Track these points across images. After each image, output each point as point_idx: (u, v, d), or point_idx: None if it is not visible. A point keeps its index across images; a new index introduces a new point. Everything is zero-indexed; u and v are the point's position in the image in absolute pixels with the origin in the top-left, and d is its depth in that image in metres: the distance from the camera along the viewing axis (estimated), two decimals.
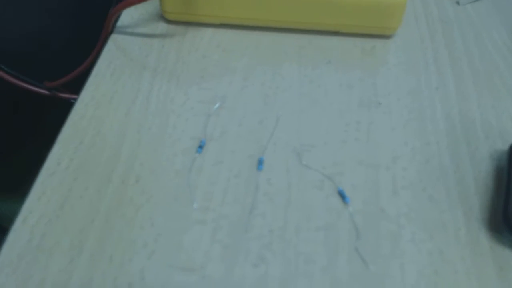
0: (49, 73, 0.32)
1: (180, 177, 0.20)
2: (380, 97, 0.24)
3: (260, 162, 0.20)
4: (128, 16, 0.27)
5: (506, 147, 0.22)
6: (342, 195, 0.19)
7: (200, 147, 0.20)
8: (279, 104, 0.23)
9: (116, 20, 0.27)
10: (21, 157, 0.41)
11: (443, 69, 0.26)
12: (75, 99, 0.24)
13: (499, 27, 0.29)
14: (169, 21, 0.27)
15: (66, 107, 0.25)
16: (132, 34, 0.26)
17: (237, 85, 0.24)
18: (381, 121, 0.23)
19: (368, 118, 0.23)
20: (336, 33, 0.27)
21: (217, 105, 0.22)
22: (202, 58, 0.25)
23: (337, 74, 0.25)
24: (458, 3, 0.30)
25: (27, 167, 0.27)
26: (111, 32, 0.26)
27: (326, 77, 0.25)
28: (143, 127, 0.22)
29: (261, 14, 0.26)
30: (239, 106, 0.23)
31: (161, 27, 0.27)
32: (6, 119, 0.39)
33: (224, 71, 0.25)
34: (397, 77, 0.25)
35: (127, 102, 0.23)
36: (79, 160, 0.20)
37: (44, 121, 0.42)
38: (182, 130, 0.22)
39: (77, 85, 0.28)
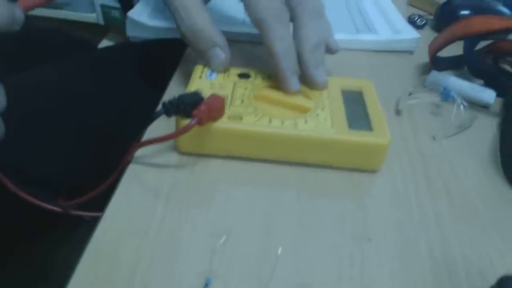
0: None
1: None
2: (370, 231, 0.26)
3: None
4: (145, 148, 0.31)
5: (486, 286, 0.24)
6: None
7: (206, 285, 0.21)
8: (279, 236, 0.25)
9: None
10: None
11: (424, 203, 0.29)
12: (88, 217, 0.26)
13: (472, 159, 0.33)
14: (181, 152, 0.31)
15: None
16: (148, 164, 0.30)
17: (241, 215, 0.26)
18: (372, 257, 0.25)
19: (360, 253, 0.25)
20: (329, 167, 0.30)
21: (223, 239, 0.24)
22: (210, 189, 0.28)
23: (331, 207, 0.28)
24: (434, 138, 0.35)
25: None
26: (129, 162, 0.29)
27: (321, 210, 0.27)
28: (153, 259, 0.23)
29: (262, 154, 0.30)
30: (242, 238, 0.25)
31: (174, 158, 0.30)
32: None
33: (229, 201, 0.27)
34: (384, 211, 0.28)
35: (140, 234, 0.25)
36: None
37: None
38: (188, 265, 0.23)
39: (90, 205, 0.31)
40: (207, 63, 0.34)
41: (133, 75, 0.50)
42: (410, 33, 0.50)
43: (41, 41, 0.57)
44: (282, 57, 0.32)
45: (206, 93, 0.31)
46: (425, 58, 0.47)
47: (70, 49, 0.60)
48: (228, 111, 0.30)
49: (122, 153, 0.29)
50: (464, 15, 0.53)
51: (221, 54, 0.33)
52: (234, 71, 0.35)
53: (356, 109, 0.32)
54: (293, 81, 0.32)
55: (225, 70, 0.35)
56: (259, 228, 0.26)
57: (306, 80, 0.34)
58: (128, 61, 0.51)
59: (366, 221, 0.27)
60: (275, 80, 0.34)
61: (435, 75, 0.42)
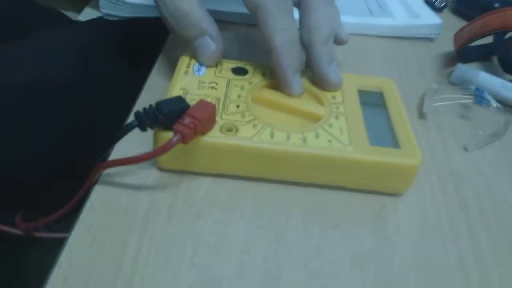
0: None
1: None
2: (397, 279, 0.21)
3: None
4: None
5: None
6: None
7: None
8: None
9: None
10: None
11: (461, 237, 0.23)
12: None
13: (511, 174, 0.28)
14: (162, 169, 0.25)
15: None
16: (120, 185, 0.24)
17: (235, 261, 0.21)
18: None
19: None
20: (342, 188, 0.25)
21: None
22: (197, 219, 0.22)
23: (347, 245, 0.22)
24: (466, 149, 0.30)
25: None
26: (95, 182, 0.24)
27: (334, 249, 0.22)
28: None
29: (262, 173, 0.24)
30: None
31: (153, 176, 0.24)
32: None
33: (220, 240, 0.22)
34: (412, 249, 0.22)
35: (108, 278, 0.19)
36: None
37: None
38: None
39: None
40: (194, 55, 0.28)
41: (106, 61, 0.43)
42: (430, 18, 0.43)
43: (6, 12, 0.50)
44: (283, 51, 0.25)
45: (192, 94, 0.25)
46: (447, 46, 0.41)
47: (42, 22, 0.52)
48: (220, 120, 0.24)
49: (92, 155, 0.24)
50: (493, 4, 0.46)
51: (211, 44, 0.27)
52: (228, 65, 0.28)
53: (377, 117, 0.26)
54: (295, 83, 0.26)
55: (217, 64, 0.28)
56: (257, 277, 0.20)
57: (317, 80, 0.28)
58: (100, 44, 0.44)
59: (392, 263, 0.22)
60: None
61: (462, 70, 0.36)
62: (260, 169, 0.24)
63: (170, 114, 0.21)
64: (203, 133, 0.22)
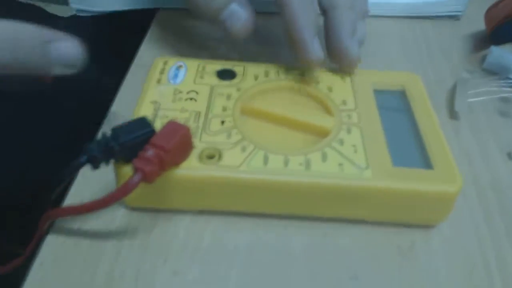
0: None
1: None
2: None
3: None
4: (76, 196, 0.20)
5: None
6: None
7: None
8: None
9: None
10: None
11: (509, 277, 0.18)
12: None
13: None
14: (131, 207, 0.20)
15: None
16: (78, 233, 0.19)
17: None
18: None
19: None
20: (360, 222, 0.19)
21: None
22: (173, 276, 0.18)
23: None
24: (510, 156, 0.24)
25: None
26: (46, 232, 0.19)
27: None
28: None
29: (255, 208, 0.19)
30: None
31: (120, 218, 0.19)
32: None
33: None
34: None
35: None
36: None
37: None
38: None
39: None
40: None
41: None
42: None
43: None
44: (299, 8, 0.21)
45: (165, 109, 0.20)
46: (475, 25, 0.34)
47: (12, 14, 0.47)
48: (199, 143, 0.18)
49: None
50: None
51: (241, 12, 0.22)
52: (212, 67, 0.23)
53: (401, 126, 0.21)
54: (315, 47, 0.22)
55: (198, 66, 0.23)
56: None
57: (332, 54, 0.23)
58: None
59: None
60: (276, 77, 0.22)
61: (497, 54, 0.30)
62: (253, 203, 0.19)
63: (130, 144, 0.16)
64: (176, 163, 0.18)
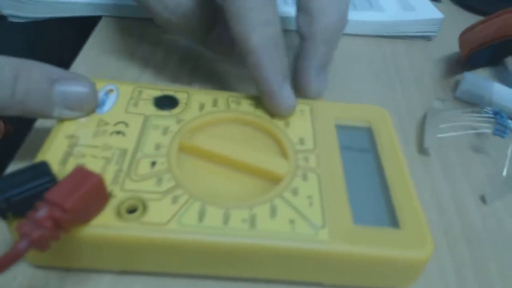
0: None
1: None
2: None
3: None
4: None
5: None
6: None
7: None
8: None
9: None
10: None
11: None
12: None
13: None
14: (36, 266, 0.16)
15: None
16: None
17: None
18: None
19: None
20: (316, 284, 0.16)
21: None
22: None
23: None
24: (483, 200, 0.22)
25: None
26: None
27: None
28: None
29: (190, 269, 0.15)
30: None
31: (22, 278, 0.15)
32: None
33: None
34: None
35: None
36: None
37: None
38: None
39: None
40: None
41: None
42: (428, 11, 0.34)
43: None
44: (265, 53, 0.18)
45: (84, 145, 0.16)
46: (448, 47, 0.33)
47: None
48: (120, 193, 0.15)
49: None
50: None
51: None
52: (149, 93, 0.19)
53: (364, 172, 0.18)
54: (285, 95, 0.19)
55: (133, 91, 0.19)
56: None
57: (296, 85, 0.21)
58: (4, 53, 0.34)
59: None
60: (226, 107, 0.19)
61: (471, 81, 0.28)
62: (185, 266, 0.15)
63: (19, 199, 0.13)
64: (85, 220, 0.14)
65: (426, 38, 0.34)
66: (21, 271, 0.16)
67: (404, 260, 0.15)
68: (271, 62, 0.19)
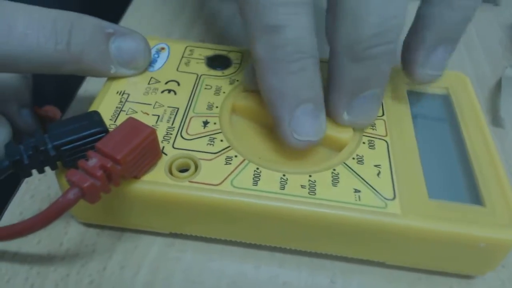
0: None
1: None
2: None
3: None
4: (16, 211, 0.16)
5: None
6: None
7: None
8: None
9: None
10: None
11: None
12: None
13: None
14: (87, 224, 0.16)
15: None
16: (8, 257, 0.15)
17: None
18: None
19: None
20: (378, 264, 0.15)
21: None
22: None
23: None
24: None
25: None
26: None
27: None
28: None
29: (244, 237, 0.14)
30: None
31: (74, 233, 0.15)
32: None
33: None
34: None
35: None
36: None
37: None
38: None
39: None
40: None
41: None
42: None
43: None
44: (274, 67, 0.13)
45: (134, 101, 0.15)
46: None
47: None
48: (171, 150, 0.14)
49: None
50: None
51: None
52: (202, 52, 0.18)
53: (441, 143, 0.15)
54: (298, 122, 0.14)
55: (185, 50, 0.18)
56: None
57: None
58: None
59: None
60: None
61: None
62: (237, 232, 0.14)
63: (70, 148, 0.12)
64: (137, 175, 0.13)
65: (494, 2, 0.31)
66: (72, 228, 0.15)
67: (489, 240, 0.13)
68: (280, 81, 0.13)
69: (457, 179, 0.14)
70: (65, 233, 0.15)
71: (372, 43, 0.13)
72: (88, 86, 0.21)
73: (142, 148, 0.12)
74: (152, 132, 0.13)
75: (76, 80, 0.22)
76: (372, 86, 0.14)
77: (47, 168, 0.13)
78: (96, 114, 0.13)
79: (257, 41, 0.13)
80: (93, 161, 0.11)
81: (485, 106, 0.22)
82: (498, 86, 0.23)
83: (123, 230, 0.15)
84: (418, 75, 0.15)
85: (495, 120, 0.21)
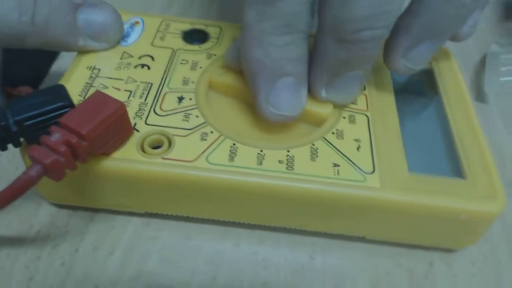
0: None
1: None
2: None
3: None
4: None
5: None
6: None
7: None
8: None
9: None
10: None
11: None
12: None
13: None
14: (58, 205, 0.15)
15: None
16: None
17: None
18: None
19: None
20: (358, 239, 0.15)
21: None
22: None
23: None
24: None
25: None
26: None
27: None
28: None
29: (220, 215, 0.14)
30: None
31: (45, 214, 0.15)
32: None
33: None
34: None
35: None
36: None
37: None
38: None
39: None
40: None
41: None
42: None
43: None
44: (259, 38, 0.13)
45: (105, 77, 0.15)
46: None
47: None
48: (144, 126, 0.13)
49: None
50: None
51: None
52: (178, 26, 0.17)
53: (422, 117, 0.15)
54: (276, 96, 0.14)
55: (161, 24, 0.17)
56: None
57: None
58: None
59: None
60: None
61: None
62: (213, 210, 0.14)
63: (32, 123, 0.12)
64: (106, 152, 0.13)
65: None
66: (44, 209, 0.15)
67: (470, 212, 0.12)
68: (264, 53, 0.13)
69: (439, 153, 0.14)
70: (35, 215, 0.15)
71: (359, 26, 0.12)
72: (61, 62, 0.20)
73: (110, 123, 0.12)
74: (121, 106, 0.12)
75: (51, 60, 0.21)
76: (354, 69, 0.13)
77: (11, 146, 0.12)
78: (62, 88, 0.12)
79: (248, 7, 0.13)
80: (56, 136, 0.11)
81: (469, 82, 0.22)
82: (482, 62, 0.22)
83: (96, 211, 0.15)
84: (395, 64, 0.15)
85: (479, 95, 0.21)
